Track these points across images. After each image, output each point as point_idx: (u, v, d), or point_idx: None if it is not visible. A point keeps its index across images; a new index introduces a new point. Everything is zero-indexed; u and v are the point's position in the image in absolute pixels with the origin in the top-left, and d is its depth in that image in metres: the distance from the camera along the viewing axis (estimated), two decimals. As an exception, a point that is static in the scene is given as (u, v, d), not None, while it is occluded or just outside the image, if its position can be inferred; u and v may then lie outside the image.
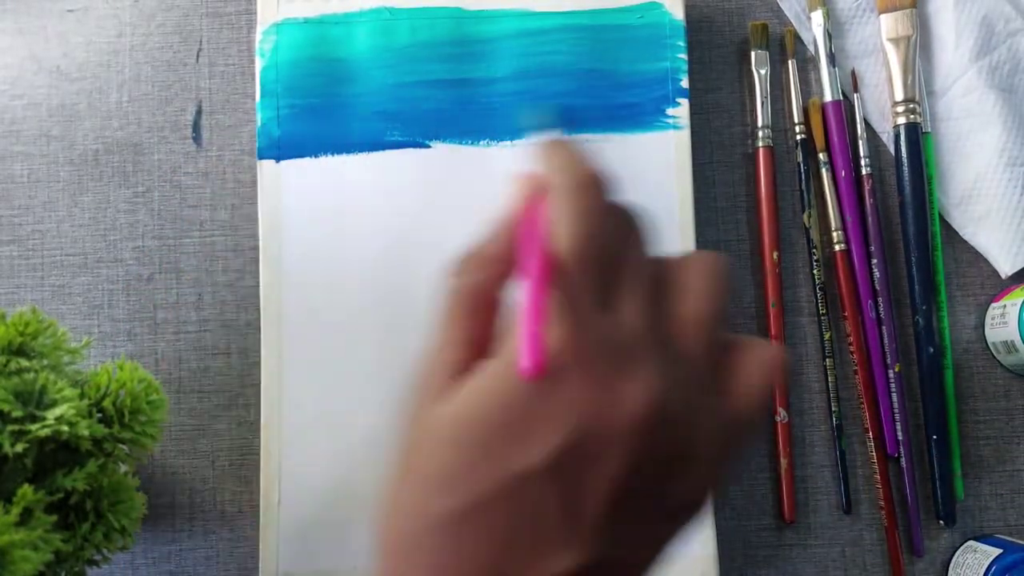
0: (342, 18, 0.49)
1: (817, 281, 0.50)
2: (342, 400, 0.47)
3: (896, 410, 0.49)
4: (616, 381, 0.24)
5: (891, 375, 0.49)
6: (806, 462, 0.49)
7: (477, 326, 0.26)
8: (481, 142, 0.49)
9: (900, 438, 0.49)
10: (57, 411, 0.36)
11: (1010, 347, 0.48)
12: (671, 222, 0.48)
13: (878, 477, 0.48)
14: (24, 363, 0.37)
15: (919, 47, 0.51)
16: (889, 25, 0.51)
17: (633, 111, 0.49)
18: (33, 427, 0.35)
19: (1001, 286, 0.51)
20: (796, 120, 0.51)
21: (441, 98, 0.49)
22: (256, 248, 0.49)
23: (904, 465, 0.49)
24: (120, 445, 0.39)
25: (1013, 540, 0.47)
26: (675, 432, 0.25)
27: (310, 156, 0.49)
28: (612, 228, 0.26)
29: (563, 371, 0.24)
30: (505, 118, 0.49)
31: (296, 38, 0.49)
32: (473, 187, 0.48)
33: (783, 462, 0.49)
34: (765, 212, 0.50)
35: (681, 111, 0.49)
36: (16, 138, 0.52)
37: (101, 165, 0.52)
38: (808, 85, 0.52)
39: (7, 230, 0.51)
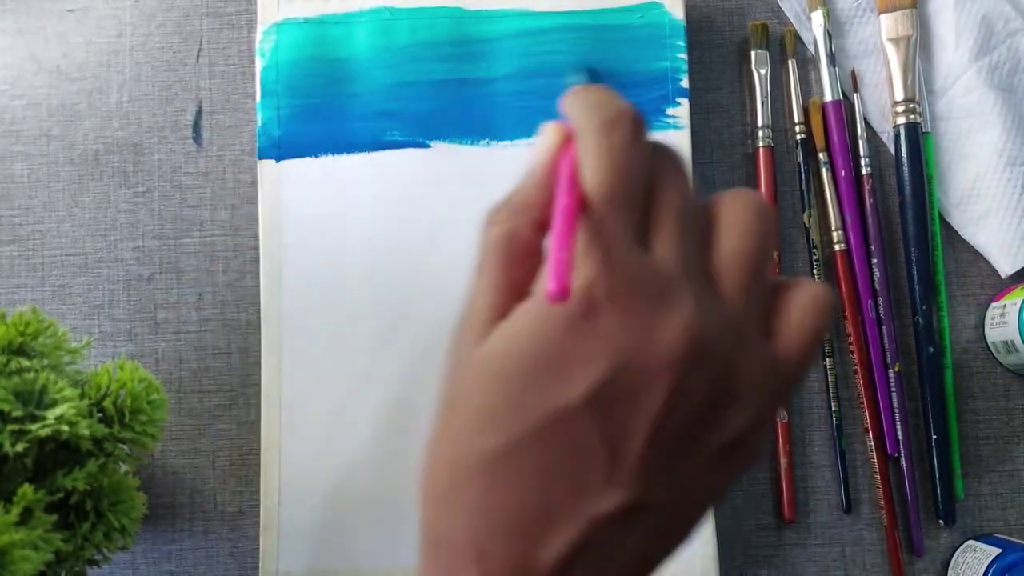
0: (342, 18, 0.49)
1: (817, 281, 0.50)
2: (342, 400, 0.47)
3: (896, 410, 0.49)
4: (653, 317, 0.24)
5: (891, 375, 0.49)
6: (806, 462, 0.49)
7: (516, 272, 0.26)
8: (481, 142, 0.49)
9: (900, 438, 0.49)
10: (57, 411, 0.36)
11: (1010, 347, 0.48)
12: None
13: (878, 477, 0.48)
14: (24, 363, 0.37)
15: (919, 47, 0.51)
16: (889, 25, 0.51)
17: None
18: (33, 427, 0.35)
19: (1001, 286, 0.51)
20: (796, 120, 0.51)
21: (441, 98, 0.49)
22: (256, 248, 0.49)
23: (904, 465, 0.49)
24: (120, 445, 0.39)
25: (1013, 540, 0.47)
26: (715, 370, 0.24)
27: (310, 156, 0.49)
28: (644, 165, 0.25)
29: (598, 307, 0.24)
30: (505, 118, 0.49)
31: (296, 38, 0.49)
32: (473, 187, 0.48)
33: (783, 461, 0.49)
34: (765, 212, 0.50)
35: (681, 111, 0.49)
36: (16, 138, 0.52)
37: (101, 165, 0.52)
38: (808, 85, 0.52)
39: (7, 230, 0.51)
